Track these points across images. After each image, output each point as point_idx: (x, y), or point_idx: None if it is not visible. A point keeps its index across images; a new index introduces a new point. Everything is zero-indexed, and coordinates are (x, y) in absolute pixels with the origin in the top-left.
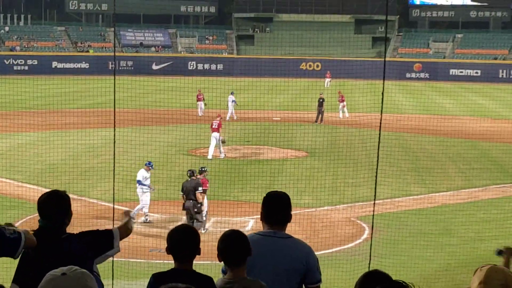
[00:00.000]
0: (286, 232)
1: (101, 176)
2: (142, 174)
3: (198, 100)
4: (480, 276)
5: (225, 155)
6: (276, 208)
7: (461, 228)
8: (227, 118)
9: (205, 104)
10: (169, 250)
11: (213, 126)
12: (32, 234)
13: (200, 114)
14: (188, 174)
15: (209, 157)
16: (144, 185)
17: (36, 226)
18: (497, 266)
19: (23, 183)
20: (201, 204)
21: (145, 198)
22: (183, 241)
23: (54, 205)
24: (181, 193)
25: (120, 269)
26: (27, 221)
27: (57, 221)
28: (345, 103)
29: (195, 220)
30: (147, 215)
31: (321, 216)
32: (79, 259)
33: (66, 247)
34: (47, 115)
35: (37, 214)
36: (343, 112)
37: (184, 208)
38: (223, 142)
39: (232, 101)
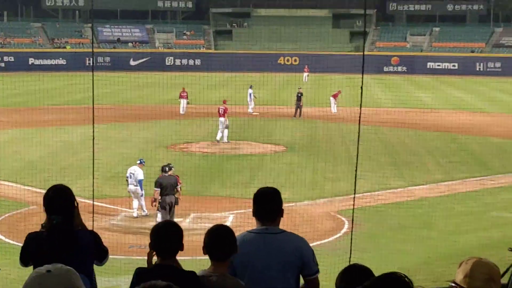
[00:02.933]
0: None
1: (80, 173)
2: (141, 172)
3: (181, 97)
4: (465, 269)
5: (228, 140)
6: (267, 204)
7: (441, 221)
8: (250, 111)
9: (188, 102)
10: (152, 246)
11: (220, 112)
12: (44, 230)
13: (182, 112)
14: (166, 170)
15: (217, 138)
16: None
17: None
18: (483, 260)
19: (1, 180)
20: (179, 199)
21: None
22: (167, 237)
23: (64, 199)
24: (156, 188)
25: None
26: (5, 218)
27: (70, 215)
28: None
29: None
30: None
31: (300, 211)
32: (90, 253)
33: (80, 240)
34: (25, 113)
35: (15, 212)
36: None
37: (163, 203)
38: (227, 127)
39: (250, 94)
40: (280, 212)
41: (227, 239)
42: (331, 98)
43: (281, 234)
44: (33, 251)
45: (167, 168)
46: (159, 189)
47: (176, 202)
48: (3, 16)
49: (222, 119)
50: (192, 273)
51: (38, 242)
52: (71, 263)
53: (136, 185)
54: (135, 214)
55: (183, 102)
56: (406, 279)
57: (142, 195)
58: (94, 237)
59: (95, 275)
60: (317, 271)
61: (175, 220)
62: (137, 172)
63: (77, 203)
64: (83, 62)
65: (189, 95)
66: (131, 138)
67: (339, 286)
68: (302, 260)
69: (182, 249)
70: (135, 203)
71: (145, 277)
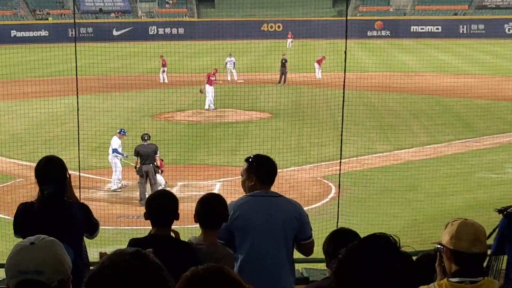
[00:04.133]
0: None
1: (65, 144)
2: (116, 142)
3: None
4: (451, 230)
5: (209, 108)
6: (270, 167)
7: (427, 184)
8: (228, 79)
9: (163, 71)
10: (148, 216)
11: (211, 80)
12: (35, 201)
13: (162, 81)
14: (145, 138)
15: (207, 107)
16: (120, 153)
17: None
18: (468, 220)
19: None
20: (159, 167)
21: (119, 165)
22: (163, 206)
23: (56, 170)
24: (135, 157)
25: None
26: None
27: (61, 186)
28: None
29: (152, 183)
30: (121, 181)
31: (287, 177)
32: (81, 225)
33: (72, 211)
34: (8, 85)
35: (1, 185)
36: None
37: (140, 172)
38: (201, 92)
39: (232, 62)
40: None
41: (219, 208)
42: (316, 64)
43: (281, 198)
44: (24, 221)
45: (146, 137)
46: (137, 158)
47: (155, 171)
48: None
49: (211, 87)
50: (187, 244)
51: (29, 213)
52: (61, 235)
53: (112, 155)
54: (113, 187)
55: (163, 70)
56: (391, 238)
57: (117, 166)
58: (85, 209)
59: (86, 247)
60: (311, 236)
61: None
62: (112, 141)
63: (69, 175)
64: (66, 33)
65: (172, 64)
66: (116, 108)
67: (326, 250)
68: (301, 223)
69: (177, 219)
70: (113, 175)
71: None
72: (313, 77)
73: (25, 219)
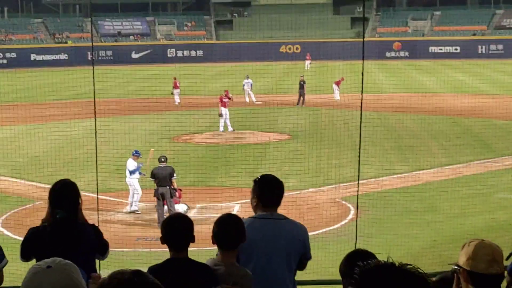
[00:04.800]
0: None
1: (84, 166)
2: (132, 163)
3: (175, 87)
4: (468, 251)
5: (224, 130)
6: (273, 190)
7: (446, 205)
8: (247, 101)
9: (171, 93)
10: (164, 239)
11: (223, 102)
12: (47, 225)
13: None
14: (162, 160)
15: (223, 129)
16: (136, 173)
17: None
18: (485, 241)
19: (6, 177)
20: (175, 189)
21: (138, 187)
22: (178, 230)
23: (70, 194)
24: (152, 179)
25: (107, 259)
26: (11, 214)
27: (74, 210)
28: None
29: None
30: (137, 205)
31: (306, 199)
32: (93, 247)
33: (83, 234)
34: (28, 108)
35: (21, 208)
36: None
37: (156, 193)
38: (220, 115)
39: (249, 84)
40: (281, 198)
41: (236, 228)
42: (334, 85)
43: (286, 221)
44: (36, 245)
45: (162, 159)
46: (154, 180)
47: (171, 194)
48: (3, 13)
49: (226, 109)
50: (205, 265)
51: (41, 237)
52: (74, 258)
53: (130, 177)
54: (127, 208)
55: (176, 92)
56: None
57: (136, 189)
58: (95, 231)
59: (99, 269)
60: (311, 257)
61: (176, 207)
62: (128, 164)
63: (81, 200)
64: (85, 56)
65: (191, 86)
66: (135, 131)
67: (342, 271)
68: (305, 246)
69: (193, 241)
70: (130, 197)
71: (159, 274)
72: (331, 99)
73: (37, 243)
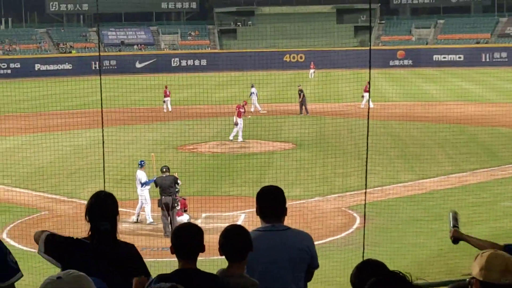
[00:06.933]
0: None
1: (89, 176)
2: (143, 175)
3: (166, 96)
4: (481, 262)
5: (233, 139)
6: (271, 202)
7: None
8: (252, 110)
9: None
10: (173, 249)
11: (240, 111)
12: (88, 238)
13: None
14: (164, 170)
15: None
16: (148, 183)
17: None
18: (498, 252)
19: (11, 187)
20: (178, 200)
21: (148, 198)
22: (188, 239)
23: (110, 206)
24: (156, 188)
25: None
26: (17, 225)
27: (114, 223)
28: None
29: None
30: (150, 216)
31: (311, 208)
32: (131, 266)
33: (123, 252)
34: (33, 118)
35: (26, 218)
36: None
37: (160, 203)
38: (236, 125)
39: (251, 93)
40: (284, 211)
41: (243, 239)
42: (365, 93)
43: (289, 231)
44: (75, 259)
45: (164, 169)
46: (158, 189)
47: (174, 203)
48: (8, 23)
49: (240, 119)
50: (215, 276)
51: (82, 250)
52: (113, 276)
53: (142, 188)
54: (134, 218)
55: (167, 100)
56: (405, 277)
57: (146, 201)
58: (135, 252)
59: None
60: (318, 266)
61: (178, 219)
62: (140, 176)
63: (118, 212)
64: (89, 66)
65: (195, 95)
66: (140, 140)
67: (354, 282)
68: (311, 255)
69: (203, 251)
70: (138, 208)
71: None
72: (335, 108)
73: (77, 255)
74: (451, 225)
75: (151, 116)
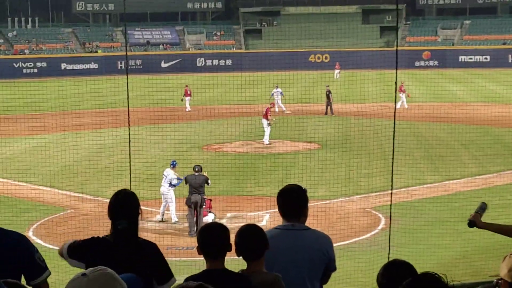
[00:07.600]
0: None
1: (115, 175)
2: (173, 175)
3: (186, 95)
4: (509, 263)
5: (267, 142)
6: (292, 200)
7: None
8: (276, 111)
9: (181, 100)
10: (200, 249)
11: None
12: (110, 237)
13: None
14: (196, 169)
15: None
16: (176, 184)
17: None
18: None
19: (37, 185)
20: (205, 199)
21: (173, 197)
22: (214, 239)
23: (132, 205)
24: (186, 184)
25: None
26: (42, 223)
27: (135, 222)
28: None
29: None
30: (175, 215)
31: (336, 208)
32: (152, 266)
33: (144, 251)
34: (59, 117)
35: (52, 216)
36: (402, 102)
37: (188, 202)
38: (269, 124)
39: (278, 93)
40: (304, 209)
41: (258, 238)
42: (401, 94)
43: (308, 231)
44: (97, 257)
45: (197, 168)
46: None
47: (202, 201)
48: (34, 22)
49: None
50: (243, 275)
51: (102, 247)
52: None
53: (169, 188)
54: (159, 217)
55: (187, 99)
56: (441, 278)
57: (172, 200)
58: (156, 251)
59: None
60: (336, 269)
61: (203, 219)
62: (169, 175)
63: (141, 211)
64: (115, 65)
65: (220, 95)
66: (165, 140)
67: (380, 282)
68: (329, 257)
69: (230, 250)
70: (162, 207)
71: None
72: (361, 108)
73: (98, 253)
74: (475, 211)
75: (176, 116)
